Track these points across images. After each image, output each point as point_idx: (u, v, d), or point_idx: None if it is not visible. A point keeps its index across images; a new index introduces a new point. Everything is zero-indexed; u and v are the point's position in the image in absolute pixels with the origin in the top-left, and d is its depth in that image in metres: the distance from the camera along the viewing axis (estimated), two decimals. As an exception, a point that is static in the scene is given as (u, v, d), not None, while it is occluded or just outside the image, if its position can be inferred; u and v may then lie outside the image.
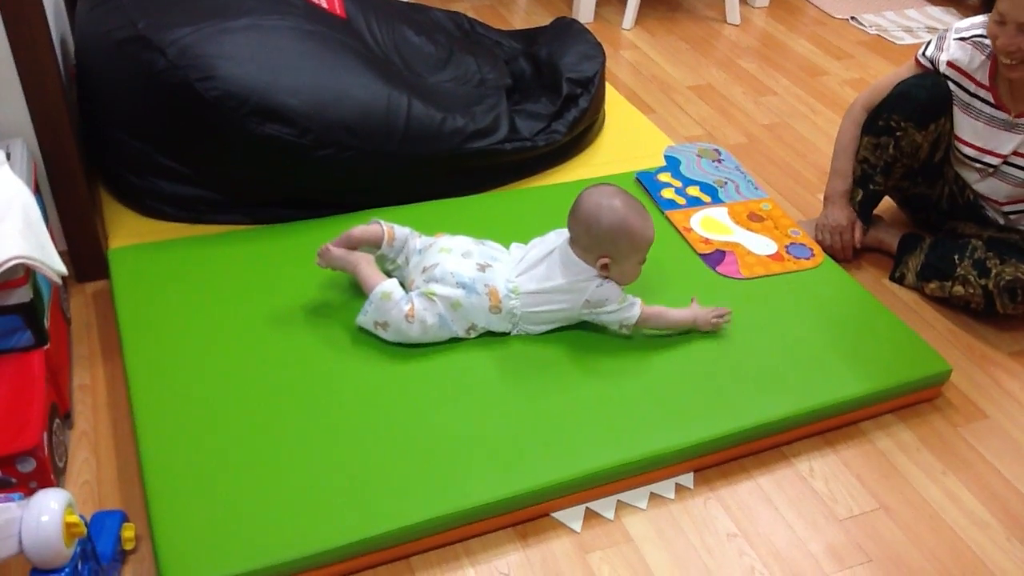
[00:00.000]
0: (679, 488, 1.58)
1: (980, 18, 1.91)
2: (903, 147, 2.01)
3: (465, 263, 1.69)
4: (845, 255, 2.11)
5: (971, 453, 1.70)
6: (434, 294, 1.66)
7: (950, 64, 1.92)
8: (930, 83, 1.98)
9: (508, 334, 1.73)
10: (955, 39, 1.93)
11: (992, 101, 1.90)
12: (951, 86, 1.95)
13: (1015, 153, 1.91)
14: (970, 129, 1.96)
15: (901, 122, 1.98)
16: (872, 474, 1.64)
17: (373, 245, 1.76)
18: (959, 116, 1.97)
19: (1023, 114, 1.88)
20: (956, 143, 2.00)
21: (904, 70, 2.04)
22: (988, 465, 1.68)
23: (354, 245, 1.74)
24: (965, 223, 2.10)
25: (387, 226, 1.77)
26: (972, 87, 1.92)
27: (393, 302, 1.65)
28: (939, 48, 1.97)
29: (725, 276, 1.95)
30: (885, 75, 2.09)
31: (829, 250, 2.10)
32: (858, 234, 2.10)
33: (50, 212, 1.83)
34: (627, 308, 1.70)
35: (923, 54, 2.00)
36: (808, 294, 1.91)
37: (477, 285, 1.67)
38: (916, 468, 1.66)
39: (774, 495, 1.58)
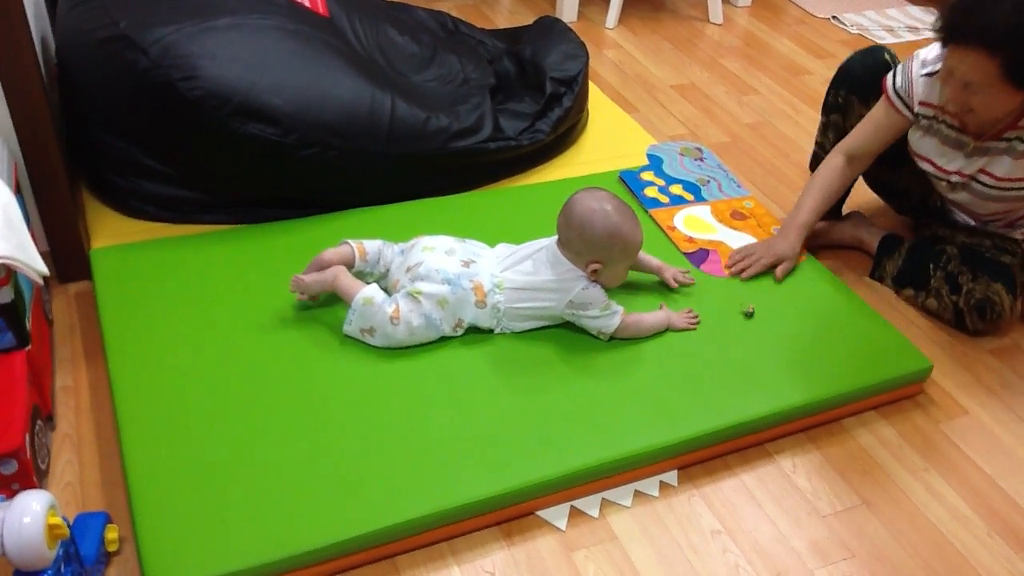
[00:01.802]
0: (663, 486, 1.58)
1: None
2: (853, 122, 2.05)
3: (449, 260, 1.70)
4: (743, 272, 1.94)
5: (952, 449, 1.72)
6: (420, 293, 1.66)
7: (923, 103, 1.89)
8: (870, 61, 2.03)
9: (492, 331, 1.73)
10: (922, 74, 1.88)
11: (958, 126, 1.88)
12: (923, 121, 1.91)
13: (981, 171, 1.90)
14: (935, 150, 1.93)
15: (848, 95, 2.05)
16: (854, 471, 1.65)
17: (346, 265, 1.75)
18: (924, 138, 1.94)
19: (988, 139, 1.86)
20: (918, 159, 1.98)
21: (877, 109, 1.96)
22: (969, 461, 1.69)
23: (325, 267, 1.73)
24: (937, 225, 2.11)
25: (356, 243, 1.76)
26: (941, 116, 1.89)
27: (376, 306, 1.65)
28: (906, 80, 1.90)
29: (709, 274, 1.96)
30: (862, 120, 2.00)
31: (742, 261, 1.95)
32: (779, 272, 1.94)
33: (32, 212, 1.82)
34: (608, 317, 1.71)
35: (893, 88, 1.92)
36: (790, 292, 1.92)
37: (462, 280, 1.68)
38: (898, 465, 1.67)
39: (757, 492, 1.59)
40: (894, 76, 1.93)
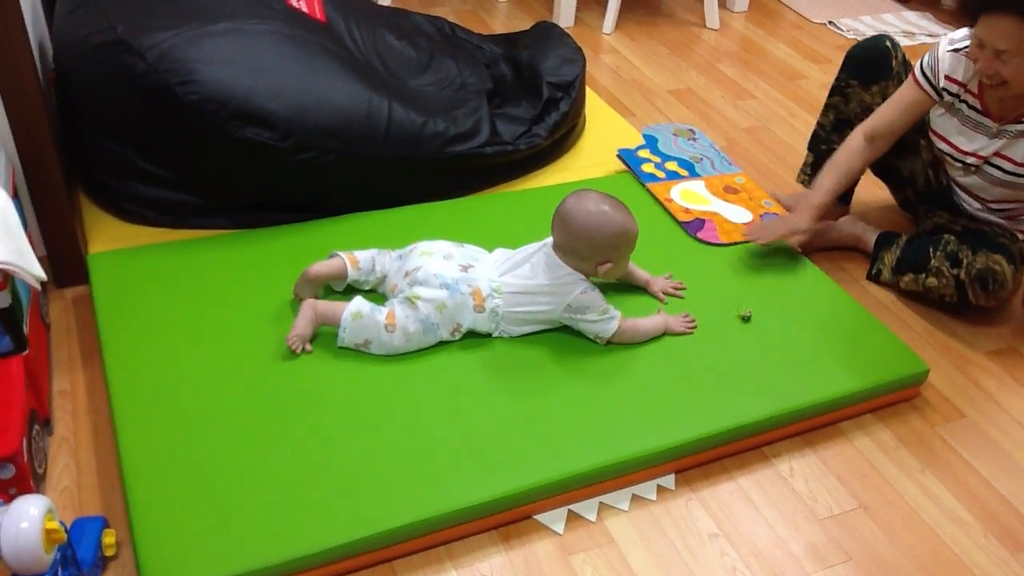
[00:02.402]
0: (661, 489, 1.58)
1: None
2: (852, 107, 2.13)
3: (447, 264, 1.70)
4: (759, 239, 2.00)
5: (949, 452, 1.72)
6: (418, 297, 1.66)
7: (948, 78, 1.92)
8: (871, 44, 2.10)
9: (491, 335, 1.73)
10: (949, 50, 1.92)
11: (980, 108, 1.92)
12: (947, 98, 1.95)
13: (997, 154, 1.93)
14: (955, 130, 1.97)
15: (849, 80, 2.13)
16: (851, 474, 1.65)
17: (338, 277, 1.75)
18: (944, 117, 1.98)
19: (1008, 122, 1.89)
20: (935, 139, 2.02)
21: (903, 89, 2.00)
22: (966, 464, 1.70)
23: (314, 281, 1.73)
24: (939, 211, 2.13)
25: (346, 254, 1.76)
26: (963, 94, 1.93)
27: (366, 318, 1.64)
28: (933, 57, 1.94)
29: (705, 242, 2.05)
30: (886, 101, 2.03)
31: (758, 230, 2.01)
32: (793, 241, 2.01)
33: (29, 217, 1.82)
34: (606, 321, 1.71)
35: (920, 68, 1.96)
36: (787, 295, 1.93)
37: (461, 285, 1.68)
38: (895, 467, 1.67)
39: (755, 495, 1.59)
40: (922, 57, 1.97)
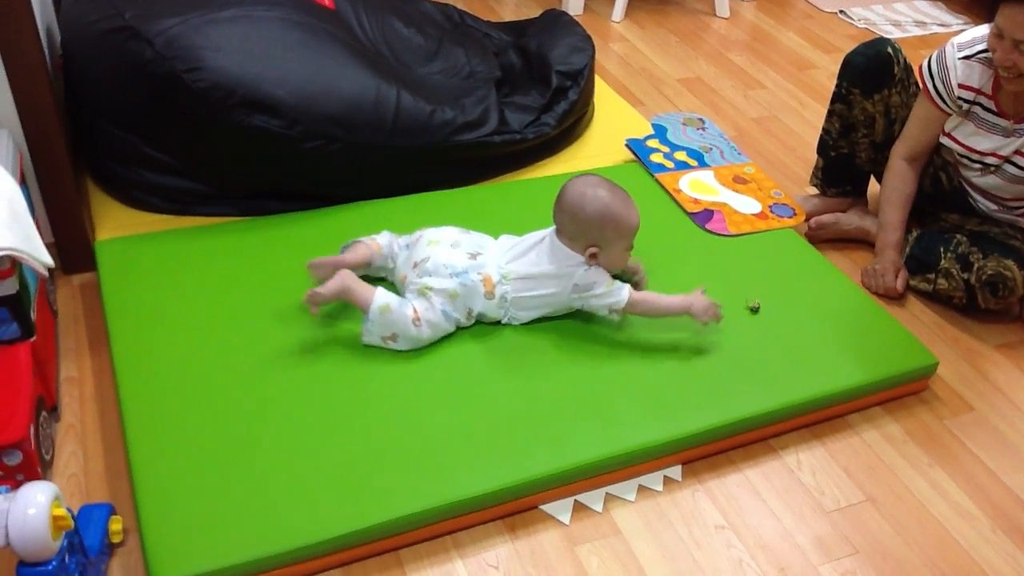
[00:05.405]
0: (667, 480, 1.58)
1: (979, 32, 1.91)
2: (856, 114, 2.13)
3: (456, 253, 1.69)
4: (889, 295, 2.04)
5: (957, 446, 1.71)
6: (430, 288, 1.65)
7: (962, 86, 1.92)
8: (873, 52, 2.07)
9: (499, 322, 1.73)
10: (960, 58, 1.92)
11: (995, 109, 1.91)
12: (964, 106, 1.94)
13: (1017, 152, 1.92)
14: (970, 132, 1.96)
15: (850, 88, 2.12)
16: (859, 466, 1.64)
17: (366, 264, 1.75)
18: (958, 121, 1.98)
19: (1022, 119, 1.89)
20: (950, 143, 2.00)
21: (920, 107, 2.02)
22: (974, 457, 1.69)
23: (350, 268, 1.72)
24: (948, 212, 2.12)
25: (369, 240, 1.76)
26: (977, 97, 1.92)
27: (395, 312, 1.63)
28: (942, 68, 1.94)
29: (713, 233, 2.04)
30: (908, 121, 2.06)
31: (875, 293, 2.05)
32: (900, 281, 2.04)
33: (36, 203, 1.82)
34: (615, 292, 1.69)
35: (932, 83, 1.95)
36: (795, 287, 1.92)
37: (471, 273, 1.68)
38: (903, 460, 1.67)
39: (762, 487, 1.59)
40: (930, 70, 1.96)
